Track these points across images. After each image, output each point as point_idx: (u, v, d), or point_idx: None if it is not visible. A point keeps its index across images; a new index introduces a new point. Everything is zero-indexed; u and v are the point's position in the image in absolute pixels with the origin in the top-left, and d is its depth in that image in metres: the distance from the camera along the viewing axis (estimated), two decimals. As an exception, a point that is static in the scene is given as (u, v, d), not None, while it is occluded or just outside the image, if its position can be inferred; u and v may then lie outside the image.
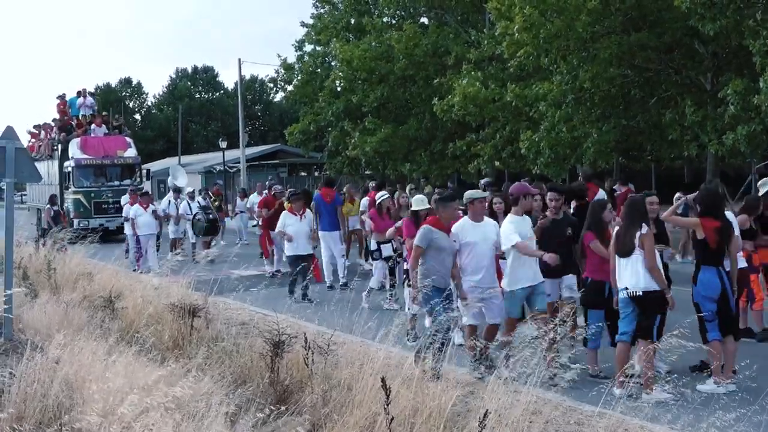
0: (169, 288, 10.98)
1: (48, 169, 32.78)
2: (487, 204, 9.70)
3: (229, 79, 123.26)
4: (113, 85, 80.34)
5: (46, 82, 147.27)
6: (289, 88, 37.50)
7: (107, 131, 32.49)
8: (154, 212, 19.01)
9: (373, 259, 13.35)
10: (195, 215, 20.33)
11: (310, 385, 6.35)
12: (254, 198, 22.42)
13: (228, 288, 12.98)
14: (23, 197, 77.00)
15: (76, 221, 28.45)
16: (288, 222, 14.29)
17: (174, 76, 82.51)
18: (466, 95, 23.40)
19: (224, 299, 13.03)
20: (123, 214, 19.89)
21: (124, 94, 79.64)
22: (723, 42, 18.70)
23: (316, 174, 45.98)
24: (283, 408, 5.79)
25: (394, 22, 32.95)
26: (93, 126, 32.17)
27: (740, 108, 16.79)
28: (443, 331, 7.21)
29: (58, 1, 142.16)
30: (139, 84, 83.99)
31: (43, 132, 35.44)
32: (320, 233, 15.18)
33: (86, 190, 29.40)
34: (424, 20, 33.05)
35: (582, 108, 20.69)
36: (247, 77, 72.04)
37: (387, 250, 12.93)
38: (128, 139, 32.02)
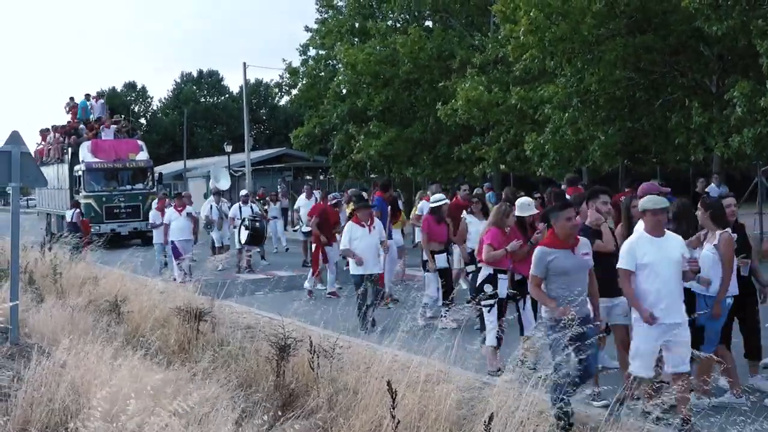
0: (175, 292, 11.00)
1: (58, 173, 32.20)
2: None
3: (234, 83, 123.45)
4: (118, 90, 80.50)
5: (48, 85, 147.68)
6: (294, 92, 37.53)
7: (118, 134, 32.00)
8: (189, 215, 17.49)
9: (425, 271, 11.80)
10: (243, 220, 18.55)
11: (315, 388, 6.35)
12: (303, 201, 20.41)
13: (234, 292, 12.98)
14: (29, 202, 77.33)
15: None
16: (354, 236, 11.92)
17: (179, 80, 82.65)
18: (469, 99, 23.40)
19: (230, 303, 13.02)
20: (150, 220, 18.65)
21: (129, 98, 79.80)
22: (729, 44, 18.66)
23: (321, 177, 45.98)
24: (289, 412, 5.79)
25: (398, 25, 32.95)
26: (103, 128, 31.67)
27: (746, 110, 16.75)
28: (572, 382, 6.22)
29: (61, 3, 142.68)
30: (144, 88, 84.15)
31: (52, 134, 34.81)
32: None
33: (97, 194, 28.78)
34: (429, 24, 33.04)
35: (587, 110, 20.66)
36: (252, 81, 72.18)
37: (441, 260, 11.62)
38: (140, 142, 31.37)
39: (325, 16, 35.76)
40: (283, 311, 8.92)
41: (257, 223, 18.55)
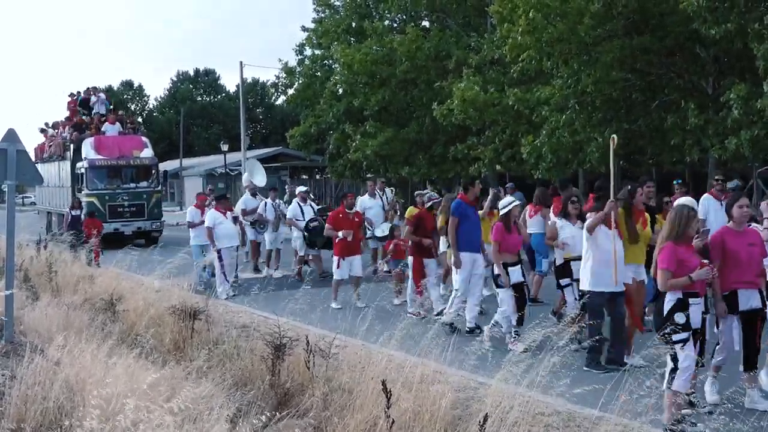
0: (170, 291, 10.98)
1: (59, 170, 31.23)
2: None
3: (230, 82, 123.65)
4: (115, 88, 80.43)
5: (48, 85, 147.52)
6: (290, 91, 37.53)
7: (122, 130, 30.68)
8: (235, 219, 15.55)
9: (497, 287, 10.33)
10: (310, 221, 16.15)
11: (311, 388, 6.35)
12: (368, 201, 17.49)
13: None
14: (24, 200, 77.11)
15: None
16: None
17: (175, 79, 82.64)
18: (465, 99, 23.40)
19: (225, 302, 13.02)
20: (188, 218, 16.55)
21: (125, 96, 79.73)
22: (725, 46, 18.69)
23: (318, 177, 46.00)
24: (283, 411, 5.79)
25: (395, 25, 32.96)
26: (107, 125, 30.34)
27: (743, 112, 16.78)
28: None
29: (61, 3, 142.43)
30: (140, 87, 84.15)
31: (52, 130, 33.64)
32: (463, 255, 11.09)
33: (100, 192, 27.67)
34: (426, 24, 33.05)
35: (584, 112, 20.68)
36: (249, 80, 72.10)
37: (515, 274, 10.13)
38: (144, 139, 30.21)
39: (322, 15, 35.76)
40: (279, 310, 8.91)
41: (318, 225, 16.03)
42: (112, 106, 33.82)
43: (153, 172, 29.05)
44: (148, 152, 29.28)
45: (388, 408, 5.08)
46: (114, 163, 28.29)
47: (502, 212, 10.35)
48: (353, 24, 33.66)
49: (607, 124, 20.69)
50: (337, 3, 35.33)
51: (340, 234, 13.35)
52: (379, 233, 16.31)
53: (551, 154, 20.87)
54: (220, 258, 14.62)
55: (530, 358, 6.23)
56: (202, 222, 15.31)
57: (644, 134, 21.20)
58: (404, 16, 32.93)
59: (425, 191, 15.84)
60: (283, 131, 44.23)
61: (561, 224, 10.35)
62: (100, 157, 28.22)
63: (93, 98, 33.16)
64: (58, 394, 5.80)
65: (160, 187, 29.41)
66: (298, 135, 34.52)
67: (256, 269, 17.97)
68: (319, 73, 34.87)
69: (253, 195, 18.30)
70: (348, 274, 13.38)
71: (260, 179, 20.45)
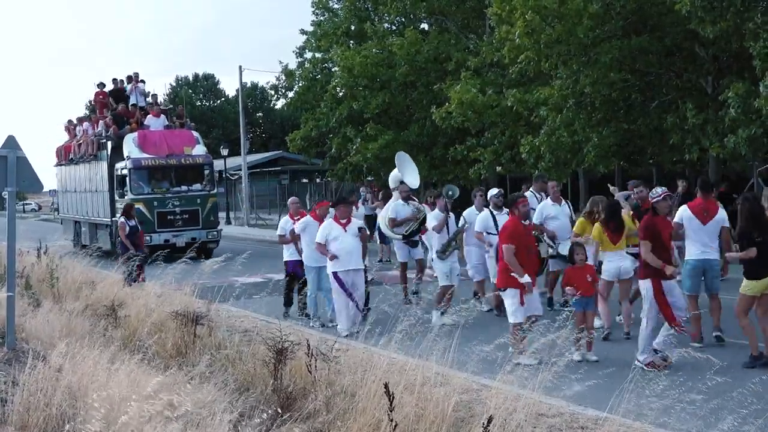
0: (172, 296, 10.97)
1: (91, 172, 27.10)
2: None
3: (230, 86, 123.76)
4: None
5: (46, 89, 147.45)
6: (290, 94, 37.54)
7: (168, 124, 26.14)
8: (360, 231, 11.86)
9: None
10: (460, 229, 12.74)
11: (313, 391, 6.34)
12: (482, 214, 12.52)
13: (231, 295, 12.95)
14: (25, 207, 76.98)
15: None
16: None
17: (174, 84, 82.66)
18: (463, 102, 23.41)
19: (227, 307, 13.02)
20: (279, 231, 13.53)
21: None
22: (723, 45, 18.70)
23: (318, 180, 46.00)
24: (286, 415, 5.79)
25: (394, 28, 32.98)
26: (150, 117, 25.85)
27: (741, 111, 16.79)
28: None
29: (60, 6, 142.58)
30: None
31: (81, 127, 28.71)
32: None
33: (148, 197, 23.65)
34: (425, 26, 33.08)
35: (583, 112, 20.69)
36: (248, 84, 72.10)
37: None
38: (195, 134, 26.07)
39: (321, 18, 35.79)
40: (281, 315, 8.91)
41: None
42: (151, 95, 28.49)
43: (207, 172, 25.01)
44: (200, 149, 25.37)
45: (391, 411, 5.07)
46: (163, 162, 24.23)
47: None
48: (352, 27, 33.69)
49: (606, 125, 20.71)
50: (336, 6, 35.37)
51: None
52: (564, 249, 11.76)
53: (550, 154, 20.88)
54: (340, 283, 11.44)
55: (533, 360, 6.22)
56: (297, 237, 12.60)
57: (643, 134, 21.21)
58: (403, 19, 32.94)
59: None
60: (283, 135, 44.23)
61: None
62: (147, 155, 24.12)
63: (129, 87, 28.14)
64: (60, 400, 5.80)
65: (216, 190, 25.61)
66: (299, 139, 34.51)
67: (407, 299, 13.22)
68: (319, 77, 34.89)
69: (406, 200, 14.02)
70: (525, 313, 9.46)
71: (413, 180, 14.85)
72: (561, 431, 6.48)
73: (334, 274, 11.38)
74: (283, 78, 36.71)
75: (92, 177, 26.89)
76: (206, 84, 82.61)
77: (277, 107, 72.47)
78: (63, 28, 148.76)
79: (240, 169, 42.75)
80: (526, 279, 9.23)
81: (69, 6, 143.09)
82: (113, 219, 24.16)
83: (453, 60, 27.14)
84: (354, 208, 14.19)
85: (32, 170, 9.08)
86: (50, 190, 68.45)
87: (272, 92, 40.60)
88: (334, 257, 11.32)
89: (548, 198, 12.80)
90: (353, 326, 10.86)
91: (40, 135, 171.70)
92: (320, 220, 12.25)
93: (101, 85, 28.56)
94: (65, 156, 30.12)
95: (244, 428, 5.36)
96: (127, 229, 16.83)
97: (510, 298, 9.40)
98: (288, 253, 13.14)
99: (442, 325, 9.42)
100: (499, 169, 27.03)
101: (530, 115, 22.33)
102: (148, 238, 21.07)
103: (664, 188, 9.48)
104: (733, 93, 16.82)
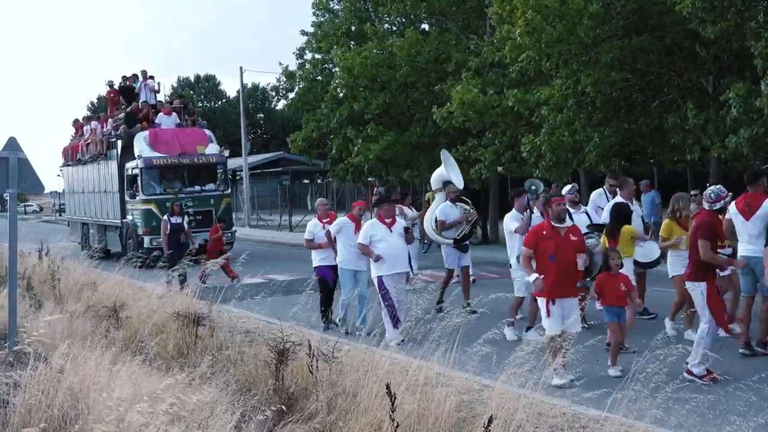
0: (173, 297, 10.98)
1: (101, 171, 26.51)
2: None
3: (231, 87, 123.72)
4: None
5: (47, 93, 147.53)
6: (291, 95, 37.55)
7: (179, 122, 25.40)
8: (407, 231, 11.04)
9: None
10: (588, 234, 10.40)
11: (315, 392, 6.35)
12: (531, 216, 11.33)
13: (232, 296, 12.96)
14: (26, 208, 76.94)
15: (146, 239, 22.67)
16: None
17: (176, 85, 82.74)
18: (464, 102, 23.42)
19: (229, 307, 13.03)
20: (306, 237, 12.65)
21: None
22: (724, 45, 18.69)
23: (319, 181, 46.03)
24: (288, 416, 5.79)
25: (394, 29, 32.97)
26: (161, 115, 25.11)
27: (742, 111, 16.78)
28: None
29: (59, 9, 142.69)
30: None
31: (89, 126, 28.24)
32: None
33: (160, 198, 22.92)
34: (425, 26, 33.07)
35: (583, 112, 20.70)
36: (249, 86, 72.22)
37: None
38: (207, 132, 25.60)
39: (322, 19, 35.80)
40: (282, 315, 8.92)
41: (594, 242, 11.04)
42: (160, 91, 27.84)
43: (221, 171, 24.52)
44: (213, 147, 24.69)
45: (393, 411, 5.08)
46: (176, 161, 23.57)
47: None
48: (352, 28, 33.69)
49: (606, 124, 20.72)
50: (336, 7, 35.37)
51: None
52: (641, 257, 10.83)
53: (551, 153, 20.89)
54: (381, 289, 10.59)
55: (534, 360, 6.23)
56: (328, 242, 11.91)
57: (644, 134, 21.21)
58: (403, 20, 32.94)
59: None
60: (284, 136, 44.29)
61: None
62: (158, 154, 23.48)
63: (137, 84, 27.70)
64: (62, 401, 5.81)
65: (229, 190, 25.07)
66: (300, 140, 34.52)
67: (439, 307, 11.47)
68: (319, 77, 34.90)
69: (455, 201, 13.16)
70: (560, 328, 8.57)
71: (458, 179, 13.80)
72: (562, 431, 6.49)
73: (379, 278, 10.52)
74: (284, 79, 36.73)
75: (101, 177, 26.30)
76: (207, 85, 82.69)
77: (278, 108, 72.54)
78: (63, 28, 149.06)
79: (241, 170, 42.79)
80: (532, 278, 8.65)
81: (69, 6, 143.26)
82: (123, 220, 24.04)
83: (453, 61, 27.14)
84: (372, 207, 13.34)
85: (33, 172, 9.09)
86: (51, 192, 68.60)
87: (273, 93, 40.56)
88: (379, 258, 10.62)
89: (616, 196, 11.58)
90: (402, 334, 9.58)
91: (41, 135, 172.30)
92: (356, 220, 11.75)
93: (111, 83, 28.10)
94: (72, 156, 29.50)
95: (245, 429, 5.37)
96: (169, 226, 16.25)
97: (542, 308, 8.75)
98: (318, 258, 12.37)
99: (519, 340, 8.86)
100: (500, 169, 27.03)
101: (531, 114, 22.34)
102: (160, 239, 20.18)
103: (720, 186, 9.01)
104: (734, 93, 16.82)
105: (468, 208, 13.19)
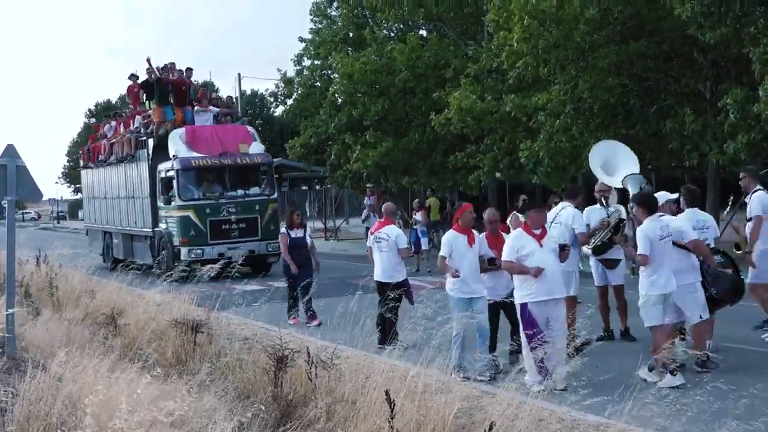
0: (171, 304, 10.95)
1: (126, 174, 23.58)
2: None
3: (228, 94, 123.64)
4: (113, 102, 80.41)
5: (47, 98, 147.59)
6: (289, 101, 37.56)
7: (217, 118, 22.44)
8: (564, 249, 8.61)
9: None
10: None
11: (314, 399, 6.33)
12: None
13: (231, 303, 12.93)
14: (24, 215, 76.83)
15: (184, 250, 19.92)
16: None
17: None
18: (462, 108, 23.43)
19: (227, 314, 13.00)
20: (371, 243, 11.30)
21: (124, 111, 79.53)
22: (722, 50, 18.71)
23: (317, 188, 45.99)
24: (287, 423, 5.78)
25: (393, 35, 33.02)
26: (196, 109, 22.01)
27: (740, 117, 16.79)
28: None
29: (59, 12, 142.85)
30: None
31: (110, 125, 25.63)
32: None
33: (199, 204, 20.31)
34: (423, 33, 33.12)
35: (581, 117, 20.69)
36: (248, 92, 72.18)
37: None
38: (250, 129, 22.66)
39: (320, 26, 35.85)
40: (281, 322, 8.90)
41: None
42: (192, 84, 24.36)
43: (266, 173, 21.62)
44: (257, 147, 21.80)
45: (392, 418, 5.06)
46: (216, 162, 20.71)
47: None
48: (350, 34, 33.73)
49: (604, 130, 20.70)
50: (334, 13, 35.42)
51: None
52: None
53: (549, 159, 20.89)
54: (528, 318, 8.24)
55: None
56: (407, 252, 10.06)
57: (642, 139, 21.20)
58: (401, 26, 32.99)
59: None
60: (282, 142, 44.21)
61: None
62: (197, 154, 20.61)
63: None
64: (60, 409, 5.79)
65: (276, 195, 22.09)
66: (298, 146, 34.51)
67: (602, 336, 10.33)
68: (318, 83, 34.92)
69: (604, 204, 10.58)
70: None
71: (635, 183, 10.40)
72: (562, 437, 6.47)
73: (523, 306, 8.20)
74: (282, 85, 36.74)
75: (128, 180, 23.35)
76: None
77: (276, 114, 72.51)
78: (63, 28, 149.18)
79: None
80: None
81: (69, 6, 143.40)
82: (155, 229, 21.28)
83: (452, 67, 27.17)
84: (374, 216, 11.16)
85: (32, 179, 9.08)
86: (50, 199, 68.50)
87: (271, 99, 40.58)
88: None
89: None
90: (545, 378, 7.78)
91: (41, 135, 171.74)
92: (467, 231, 9.14)
93: (133, 76, 25.06)
94: (93, 157, 26.72)
95: (244, 436, 5.35)
96: (289, 241, 13.41)
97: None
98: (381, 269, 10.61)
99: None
100: (498, 175, 27.05)
101: (528, 120, 22.35)
102: (199, 250, 19.32)
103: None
104: (732, 99, 16.83)
105: (613, 210, 10.49)
